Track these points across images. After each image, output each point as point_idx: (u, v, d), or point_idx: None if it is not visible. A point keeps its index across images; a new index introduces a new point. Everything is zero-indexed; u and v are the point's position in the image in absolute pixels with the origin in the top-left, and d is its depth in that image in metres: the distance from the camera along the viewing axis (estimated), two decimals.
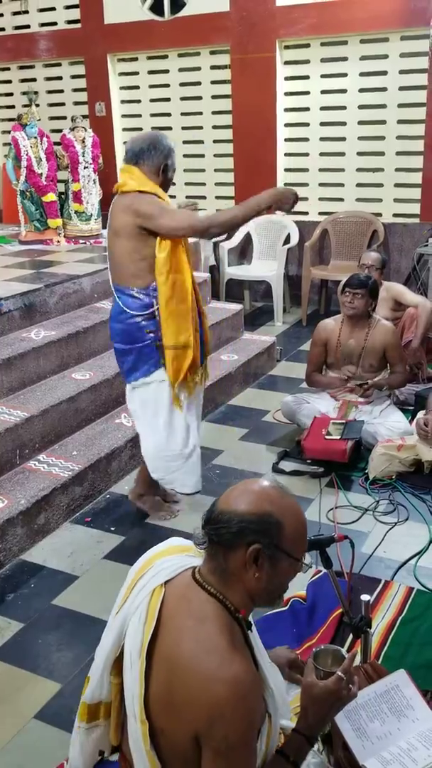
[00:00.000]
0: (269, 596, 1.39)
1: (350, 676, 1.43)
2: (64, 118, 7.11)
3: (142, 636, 1.36)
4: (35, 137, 5.41)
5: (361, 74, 5.93)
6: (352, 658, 1.45)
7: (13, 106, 7.53)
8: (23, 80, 7.43)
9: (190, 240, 2.96)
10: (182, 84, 6.72)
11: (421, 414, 3.64)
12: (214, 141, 6.70)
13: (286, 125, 6.37)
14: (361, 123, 6.05)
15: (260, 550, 1.30)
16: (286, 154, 6.44)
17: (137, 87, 6.95)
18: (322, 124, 6.21)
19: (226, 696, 1.22)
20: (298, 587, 2.62)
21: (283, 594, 1.42)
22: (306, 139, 6.32)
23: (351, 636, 2.29)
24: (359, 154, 6.13)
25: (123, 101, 7.07)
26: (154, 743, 1.33)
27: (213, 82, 6.56)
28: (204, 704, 1.23)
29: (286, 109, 6.33)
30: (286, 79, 6.26)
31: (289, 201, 2.73)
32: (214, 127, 6.66)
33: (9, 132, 5.73)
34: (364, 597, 1.92)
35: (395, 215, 6.10)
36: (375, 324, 3.87)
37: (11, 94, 7.60)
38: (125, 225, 2.70)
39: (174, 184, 2.94)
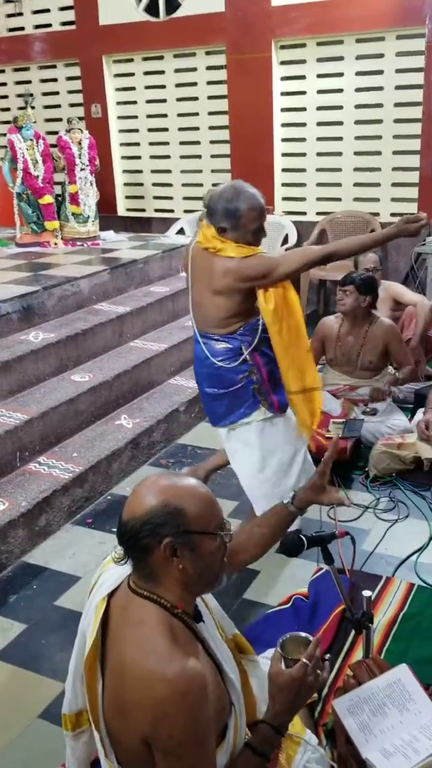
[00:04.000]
0: (204, 580, 1.37)
1: (316, 662, 1.42)
2: (60, 120, 7.13)
3: (86, 650, 1.37)
4: (31, 139, 5.42)
5: (358, 73, 5.95)
6: (315, 643, 1.44)
7: (8, 109, 7.54)
8: (18, 82, 7.44)
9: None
10: (178, 85, 6.73)
11: (420, 413, 3.65)
12: (211, 142, 6.71)
13: (283, 125, 6.38)
14: (357, 122, 6.07)
15: (173, 542, 1.29)
16: (283, 155, 6.45)
17: (133, 88, 6.96)
18: (319, 123, 6.23)
19: (166, 695, 1.21)
20: (300, 585, 2.63)
21: (222, 571, 1.40)
22: (303, 139, 6.33)
23: (353, 632, 2.30)
24: (356, 153, 6.14)
25: (119, 102, 7.08)
26: (114, 752, 1.35)
27: (209, 83, 6.58)
28: (146, 706, 1.23)
29: (283, 109, 6.34)
30: (283, 79, 6.27)
31: (411, 231, 2.56)
32: (211, 127, 6.67)
33: (5, 134, 5.74)
34: (366, 593, 1.93)
35: (392, 214, 6.10)
36: (375, 321, 3.88)
37: (6, 97, 7.62)
38: (228, 287, 2.55)
39: (265, 235, 2.62)
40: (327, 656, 1.49)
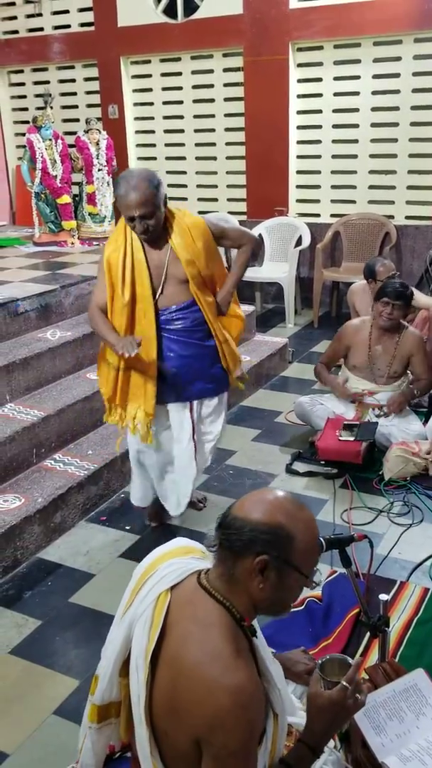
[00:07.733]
0: (272, 607, 1.38)
1: (356, 686, 1.42)
2: (77, 120, 7.16)
3: (147, 641, 1.36)
4: (50, 139, 5.45)
5: (374, 76, 5.94)
6: (356, 667, 1.44)
7: (26, 109, 7.58)
8: (36, 83, 7.48)
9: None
10: (195, 86, 6.74)
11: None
12: (227, 143, 6.72)
13: (299, 127, 6.38)
14: (373, 125, 6.06)
15: (268, 562, 1.30)
16: (298, 157, 6.46)
17: (150, 89, 6.98)
18: (335, 126, 6.23)
19: (227, 705, 1.22)
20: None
21: (288, 608, 1.42)
22: (318, 142, 6.34)
23: (368, 635, 2.30)
24: (372, 156, 6.14)
25: (136, 104, 7.10)
26: (158, 746, 1.35)
27: (226, 85, 6.58)
28: (206, 711, 1.24)
29: (299, 112, 6.34)
30: (299, 81, 6.27)
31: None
32: (227, 129, 6.68)
33: (23, 134, 5.77)
34: (383, 596, 1.94)
35: (407, 217, 6.10)
36: (404, 331, 3.85)
37: (25, 97, 7.65)
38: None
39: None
40: (366, 677, 1.48)
